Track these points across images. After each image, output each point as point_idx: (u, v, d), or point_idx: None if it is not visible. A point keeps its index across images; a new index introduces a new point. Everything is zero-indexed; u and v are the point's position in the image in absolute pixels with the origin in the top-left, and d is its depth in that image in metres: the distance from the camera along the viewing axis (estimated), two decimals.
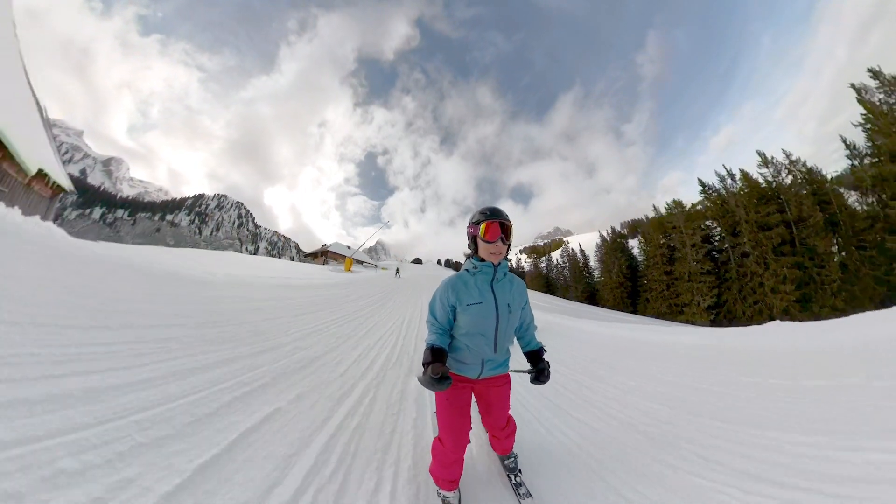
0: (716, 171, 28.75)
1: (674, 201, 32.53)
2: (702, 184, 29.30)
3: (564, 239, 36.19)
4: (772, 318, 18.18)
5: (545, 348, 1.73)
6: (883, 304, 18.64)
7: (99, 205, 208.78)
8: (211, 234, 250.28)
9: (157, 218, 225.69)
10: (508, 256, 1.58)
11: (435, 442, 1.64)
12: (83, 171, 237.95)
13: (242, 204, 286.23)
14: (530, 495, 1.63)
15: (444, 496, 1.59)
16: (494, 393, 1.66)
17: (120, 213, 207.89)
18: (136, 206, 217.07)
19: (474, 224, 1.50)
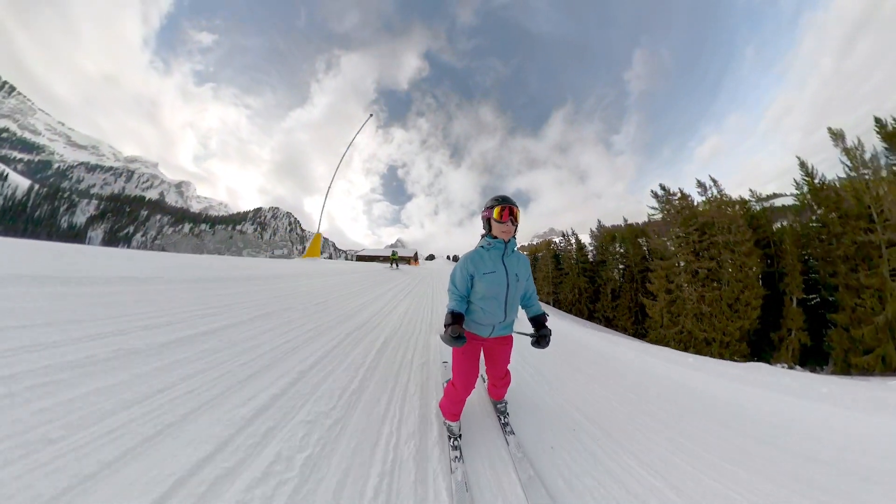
0: (697, 181, 21.37)
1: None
2: (654, 195, 22.57)
3: (555, 239, 35.89)
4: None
5: (547, 315, 1.95)
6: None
7: (187, 221, 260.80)
8: (269, 238, 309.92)
9: (229, 228, 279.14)
10: (515, 236, 1.81)
11: (448, 385, 1.96)
12: (161, 194, 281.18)
13: (291, 213, 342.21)
14: (513, 433, 1.96)
15: (448, 425, 1.94)
16: (499, 350, 1.95)
17: (203, 226, 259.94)
18: (211, 220, 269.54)
19: (489, 208, 1.78)
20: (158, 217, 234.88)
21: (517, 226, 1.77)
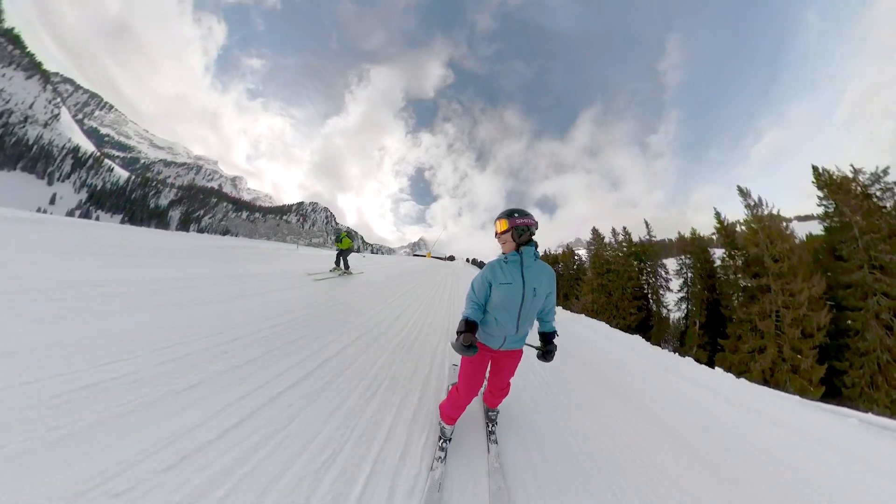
0: (739, 188, 17.50)
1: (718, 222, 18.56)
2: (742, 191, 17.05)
3: (576, 250, 32.56)
4: None
5: (557, 332, 1.91)
6: None
7: (244, 209, 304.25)
8: (309, 228, 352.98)
9: (277, 217, 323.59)
10: (528, 245, 1.73)
11: (453, 389, 1.97)
12: (220, 186, 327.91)
13: (327, 208, 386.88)
14: (496, 442, 1.97)
15: (442, 426, 1.98)
16: (507, 362, 1.93)
17: (257, 214, 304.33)
18: (263, 209, 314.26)
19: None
20: (224, 204, 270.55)
21: (506, 234, 1.73)
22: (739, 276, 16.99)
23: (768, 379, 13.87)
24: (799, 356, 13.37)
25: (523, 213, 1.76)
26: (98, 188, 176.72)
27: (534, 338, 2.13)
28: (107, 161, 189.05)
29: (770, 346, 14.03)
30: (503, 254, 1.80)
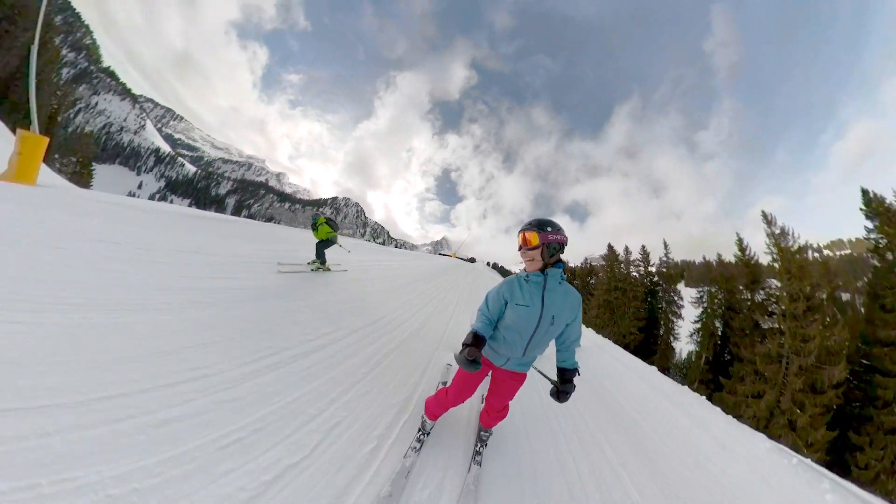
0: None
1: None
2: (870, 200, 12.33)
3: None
4: None
5: (579, 371, 1.65)
6: None
7: (287, 200, 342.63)
8: (341, 220, 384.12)
9: (313, 209, 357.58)
10: (560, 265, 1.50)
11: (442, 389, 1.88)
12: (266, 180, 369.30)
13: (358, 203, 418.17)
14: (479, 464, 1.79)
15: (424, 420, 1.93)
16: (507, 382, 1.74)
17: (297, 206, 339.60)
18: (302, 202, 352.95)
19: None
20: (270, 196, 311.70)
21: (536, 250, 1.45)
22: (755, 312, 14.57)
23: (759, 430, 11.30)
24: (799, 411, 10.85)
25: (556, 228, 1.46)
26: (173, 179, 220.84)
27: (548, 366, 1.88)
28: (179, 158, 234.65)
29: (769, 394, 11.76)
30: (525, 270, 1.53)
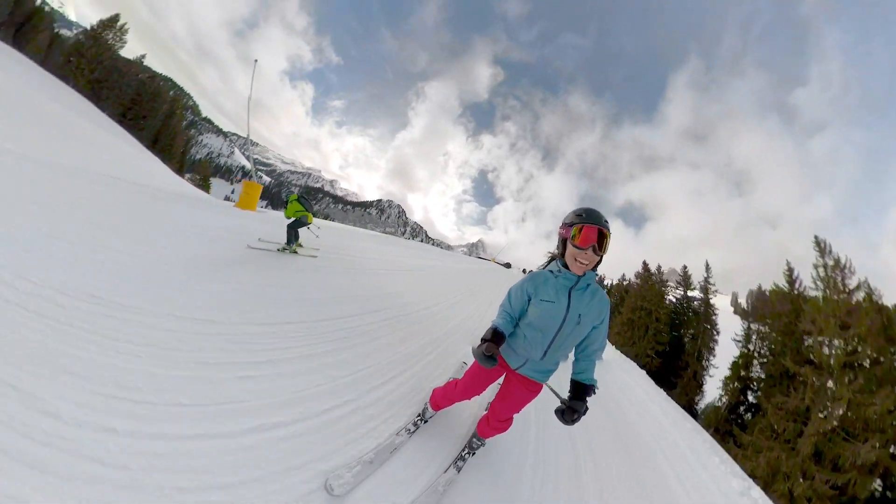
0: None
1: None
2: None
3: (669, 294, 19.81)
4: None
5: (597, 388, 1.38)
6: None
7: (340, 203, 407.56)
8: (384, 220, 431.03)
9: (361, 210, 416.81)
10: (597, 270, 1.29)
11: (452, 382, 1.80)
12: (322, 186, 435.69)
13: (399, 205, 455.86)
14: (457, 471, 1.64)
15: (426, 407, 1.89)
16: (518, 390, 1.54)
17: (348, 207, 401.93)
18: (351, 203, 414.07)
19: (567, 225, 1.27)
20: (326, 199, 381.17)
21: (602, 257, 1.24)
22: (785, 357, 12.28)
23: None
24: (801, 480, 8.53)
25: (599, 216, 1.23)
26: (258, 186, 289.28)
27: (560, 380, 1.54)
28: (258, 172, 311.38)
29: (771, 453, 9.53)
30: (557, 264, 1.33)
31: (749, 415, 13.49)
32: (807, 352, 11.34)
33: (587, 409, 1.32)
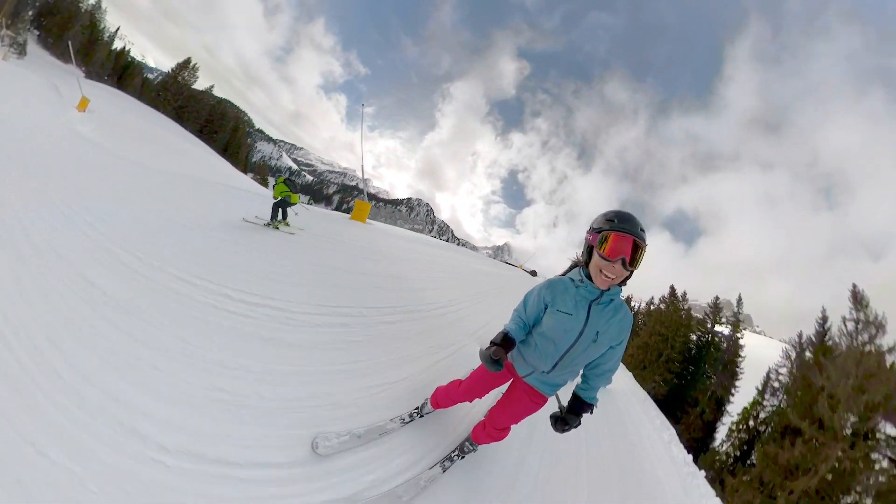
0: None
1: None
2: None
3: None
4: None
5: (596, 407, 1.33)
6: None
7: (373, 200, 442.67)
8: (413, 217, 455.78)
9: (393, 207, 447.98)
10: (625, 284, 1.13)
11: (456, 381, 1.74)
12: (356, 184, 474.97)
13: (428, 203, 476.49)
14: (443, 471, 1.60)
15: (426, 402, 1.85)
16: (522, 400, 1.45)
17: (381, 204, 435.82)
18: (383, 201, 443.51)
19: (595, 231, 1.13)
20: (361, 196, 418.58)
21: (633, 272, 1.08)
22: (792, 411, 10.82)
23: None
24: None
25: (634, 223, 1.10)
26: (299, 184, 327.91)
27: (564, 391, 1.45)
28: (302, 172, 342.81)
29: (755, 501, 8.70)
30: (580, 272, 1.20)
31: (741, 463, 11.84)
32: (818, 411, 9.56)
33: (580, 423, 1.29)
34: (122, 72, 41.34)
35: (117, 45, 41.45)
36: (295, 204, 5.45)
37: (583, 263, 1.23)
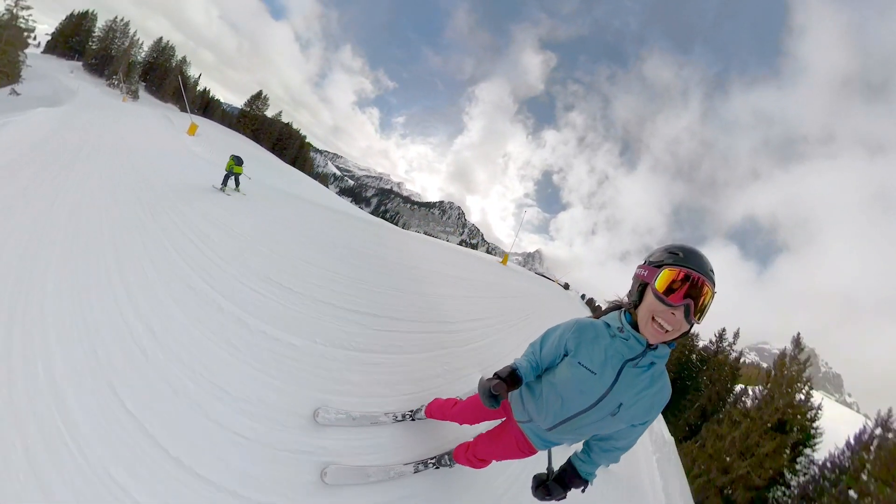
0: None
1: None
2: None
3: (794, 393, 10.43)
4: None
5: (591, 485, 1.09)
6: None
7: (408, 202, 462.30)
8: (445, 220, 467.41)
9: (426, 209, 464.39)
10: (676, 343, 0.92)
11: (452, 399, 1.75)
12: (391, 188, 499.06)
13: (459, 206, 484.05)
14: (413, 472, 1.63)
15: (421, 409, 1.87)
16: (511, 443, 1.27)
17: (415, 206, 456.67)
18: (417, 203, 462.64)
19: (652, 265, 0.88)
20: (398, 199, 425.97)
21: (694, 325, 0.82)
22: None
23: None
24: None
25: (703, 263, 0.86)
26: (341, 188, 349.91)
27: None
28: (344, 178, 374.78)
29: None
30: (621, 318, 0.95)
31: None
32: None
33: (564, 497, 1.08)
34: (205, 106, 53.62)
35: (200, 86, 54.13)
36: (240, 174, 7.01)
37: (629, 306, 0.95)
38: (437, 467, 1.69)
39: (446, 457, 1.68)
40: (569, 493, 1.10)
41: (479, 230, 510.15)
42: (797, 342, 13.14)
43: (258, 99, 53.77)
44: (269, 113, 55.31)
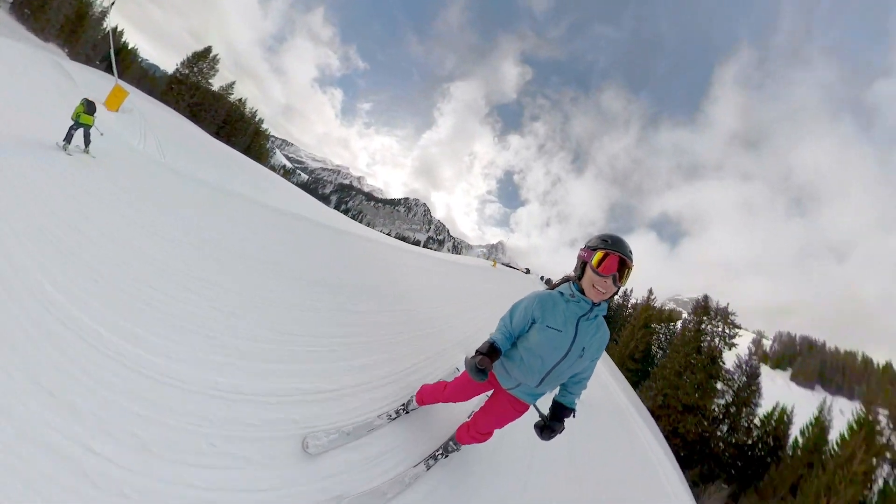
0: None
1: None
2: None
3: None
4: None
5: (576, 414, 1.39)
6: None
7: (371, 199, 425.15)
8: (411, 217, 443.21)
9: (390, 207, 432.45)
10: (612, 299, 1.23)
11: (441, 383, 1.77)
12: (351, 183, 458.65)
13: (425, 203, 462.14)
14: (426, 468, 1.62)
15: (411, 399, 1.88)
16: (505, 408, 1.48)
17: (378, 203, 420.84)
18: (381, 200, 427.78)
19: (589, 249, 1.21)
20: (360, 196, 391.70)
21: (620, 287, 1.18)
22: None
23: None
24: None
25: (625, 246, 1.17)
26: (293, 183, 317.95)
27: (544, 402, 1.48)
28: (297, 171, 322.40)
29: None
30: (571, 287, 1.25)
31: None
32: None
33: (564, 428, 1.38)
34: (115, 55, 35.78)
35: (106, 23, 32.52)
36: (89, 126, 4.92)
37: (575, 278, 1.28)
38: (447, 455, 1.75)
39: (451, 442, 1.76)
40: (566, 423, 1.39)
41: (444, 226, 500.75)
42: (706, 298, 20.64)
43: (203, 60, 35.67)
44: (216, 84, 36.91)
